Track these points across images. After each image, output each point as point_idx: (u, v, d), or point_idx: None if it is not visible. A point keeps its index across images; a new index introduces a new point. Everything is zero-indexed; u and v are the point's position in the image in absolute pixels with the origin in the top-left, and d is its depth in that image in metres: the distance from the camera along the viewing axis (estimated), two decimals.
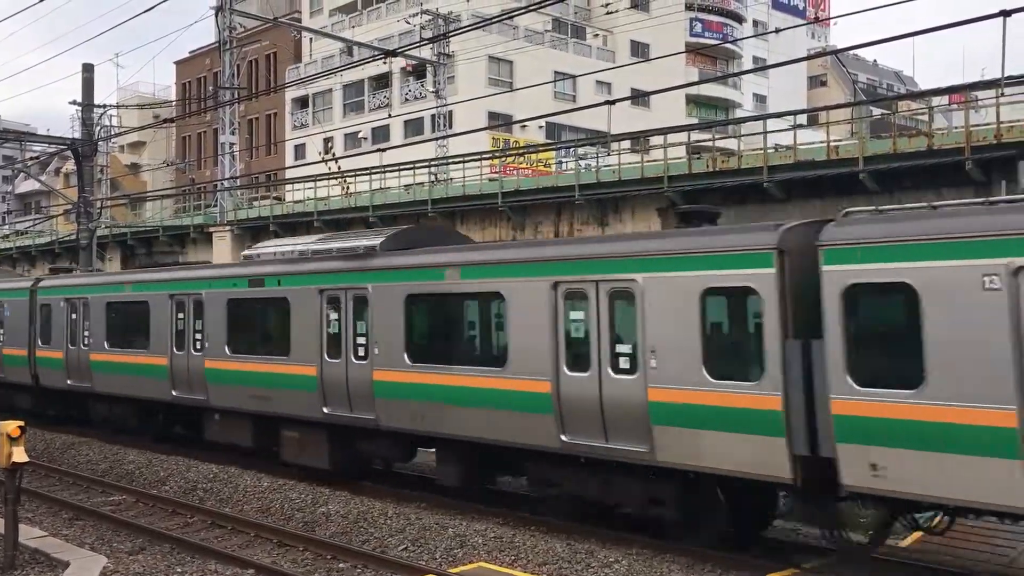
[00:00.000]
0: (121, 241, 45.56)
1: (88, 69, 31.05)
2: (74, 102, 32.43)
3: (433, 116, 44.48)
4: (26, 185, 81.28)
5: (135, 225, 47.02)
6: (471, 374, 12.93)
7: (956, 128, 24.60)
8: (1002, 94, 19.66)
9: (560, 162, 43.72)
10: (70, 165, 59.83)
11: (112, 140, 47.79)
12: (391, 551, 11.64)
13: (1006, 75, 14.36)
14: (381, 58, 25.35)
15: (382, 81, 53.67)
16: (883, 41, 12.86)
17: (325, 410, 14.89)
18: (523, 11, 22.10)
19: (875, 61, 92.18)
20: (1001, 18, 11.73)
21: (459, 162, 31.91)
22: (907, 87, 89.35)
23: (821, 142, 25.02)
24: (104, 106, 35.04)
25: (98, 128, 32.07)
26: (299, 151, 57.49)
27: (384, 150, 29.14)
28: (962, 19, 11.89)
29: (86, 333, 20.61)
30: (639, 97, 26.78)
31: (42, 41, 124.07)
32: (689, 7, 63.63)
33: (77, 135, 32.64)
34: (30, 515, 13.86)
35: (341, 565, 11.22)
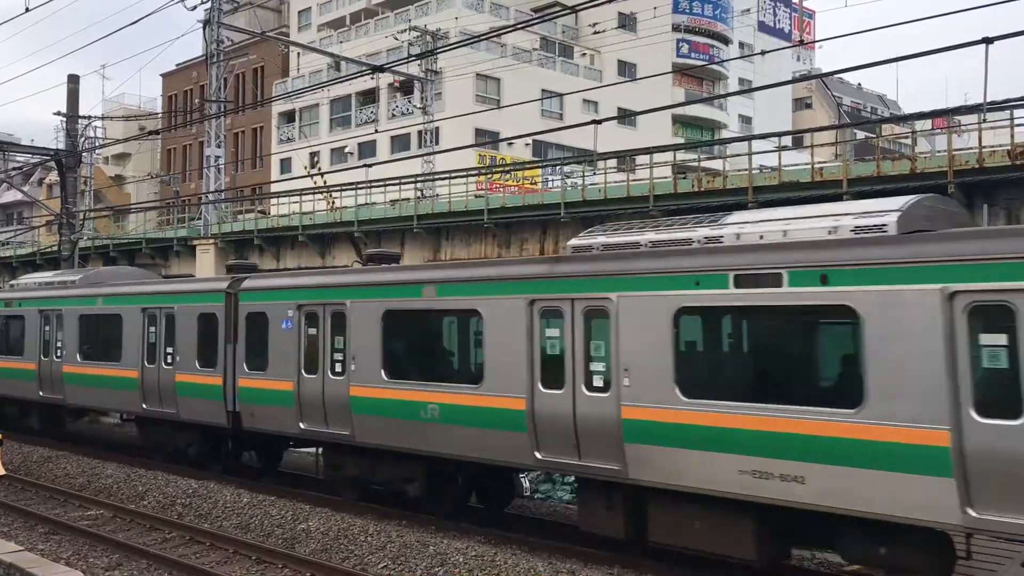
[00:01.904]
0: (103, 253, 45.29)
1: (74, 80, 30.98)
2: (59, 113, 32.29)
3: (420, 132, 44.55)
4: (8, 196, 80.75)
5: (118, 237, 46.76)
6: (108, 367, 19.46)
7: (939, 152, 24.80)
8: (984, 119, 19.84)
9: (546, 180, 43.86)
10: (53, 176, 59.48)
11: (97, 151, 47.63)
12: (371, 569, 11.54)
13: (988, 100, 14.48)
14: (368, 73, 25.37)
15: (369, 97, 53.75)
16: (868, 66, 12.98)
17: (40, 393, 21.87)
18: (511, 29, 22.21)
19: (859, 84, 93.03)
20: (984, 45, 11.87)
21: (445, 178, 31.94)
22: (891, 110, 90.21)
23: (806, 164, 25.11)
24: (89, 117, 34.99)
25: (82, 139, 31.94)
26: (285, 165, 57.45)
27: (370, 165, 29.18)
28: (946, 45, 12.00)
29: None
30: (626, 116, 26.87)
31: (27, 51, 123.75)
32: (676, 28, 64.06)
33: (61, 146, 32.49)
34: (5, 529, 13.70)
35: None
